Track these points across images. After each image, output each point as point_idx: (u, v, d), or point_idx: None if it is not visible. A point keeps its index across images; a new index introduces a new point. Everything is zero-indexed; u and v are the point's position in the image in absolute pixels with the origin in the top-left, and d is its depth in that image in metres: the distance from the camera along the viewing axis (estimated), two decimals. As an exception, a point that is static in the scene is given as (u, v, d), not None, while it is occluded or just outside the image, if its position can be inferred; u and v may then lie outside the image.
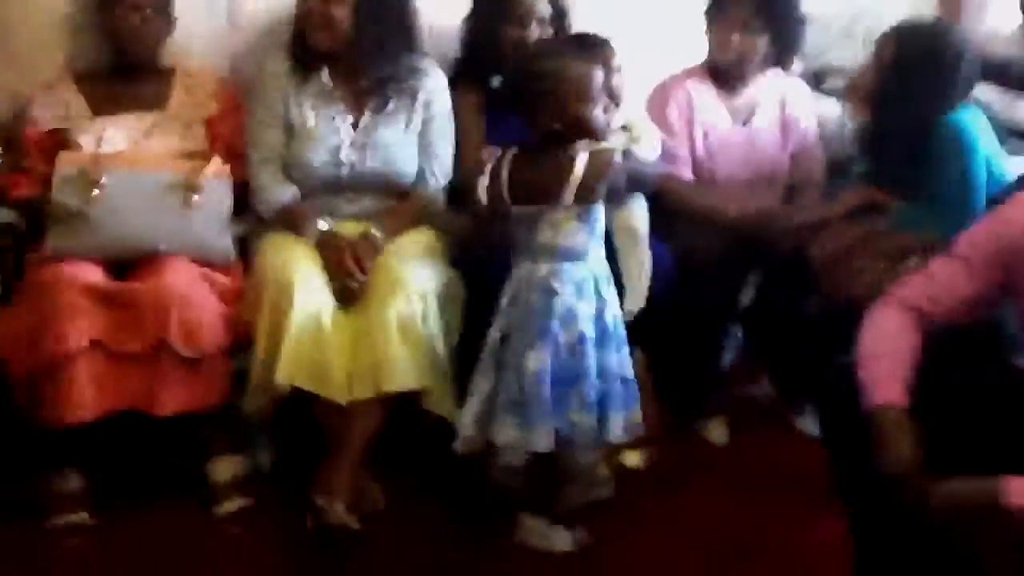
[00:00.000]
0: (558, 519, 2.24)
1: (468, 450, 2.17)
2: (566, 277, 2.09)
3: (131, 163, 2.25)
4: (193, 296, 2.15)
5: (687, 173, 2.73)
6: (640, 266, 2.43)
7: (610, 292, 2.17)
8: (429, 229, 2.50)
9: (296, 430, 2.36)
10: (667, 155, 2.65)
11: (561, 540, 2.22)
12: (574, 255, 2.11)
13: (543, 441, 2.07)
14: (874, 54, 2.55)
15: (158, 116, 2.44)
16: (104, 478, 2.26)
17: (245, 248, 2.45)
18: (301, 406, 2.26)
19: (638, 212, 2.49)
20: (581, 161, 2.05)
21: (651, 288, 2.45)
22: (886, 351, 1.75)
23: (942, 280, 1.80)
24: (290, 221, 2.39)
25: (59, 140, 2.35)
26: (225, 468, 2.32)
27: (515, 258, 2.16)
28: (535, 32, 2.55)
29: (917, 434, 1.64)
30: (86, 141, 2.33)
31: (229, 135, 2.48)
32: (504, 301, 2.15)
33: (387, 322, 2.22)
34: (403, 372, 2.21)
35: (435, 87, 2.51)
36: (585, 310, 2.10)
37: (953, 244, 1.83)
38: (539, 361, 2.06)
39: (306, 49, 2.41)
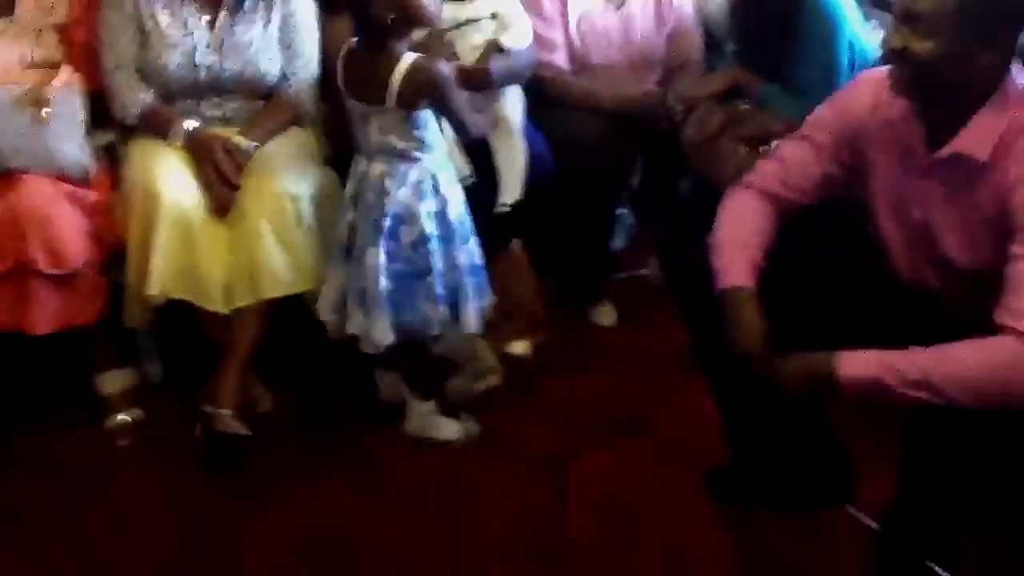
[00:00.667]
0: (446, 409, 2.31)
1: (335, 336, 2.22)
2: (400, 177, 2.10)
3: (-21, 78, 2.15)
4: (52, 214, 2.10)
5: (562, 60, 2.71)
6: (515, 157, 2.46)
7: (452, 189, 2.19)
8: (300, 130, 2.45)
9: (187, 339, 2.36)
10: (541, 42, 2.63)
11: (449, 429, 2.30)
12: (407, 155, 2.11)
13: (381, 333, 2.13)
14: None
15: (4, 25, 2.32)
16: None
17: (114, 159, 2.39)
18: (189, 315, 2.26)
19: (511, 103, 2.49)
20: (400, 71, 2.02)
21: (529, 176, 2.47)
22: (737, 235, 1.81)
23: (792, 163, 1.86)
24: (154, 124, 2.33)
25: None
26: (113, 381, 2.32)
27: (356, 154, 2.17)
28: None
29: (763, 314, 1.72)
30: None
31: (85, 41, 2.37)
32: (347, 195, 2.18)
33: (260, 228, 2.20)
34: (280, 277, 2.22)
35: None
36: (425, 208, 2.12)
37: (802, 126, 1.89)
38: (375, 256, 2.10)
39: None
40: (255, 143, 2.32)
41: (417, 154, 2.11)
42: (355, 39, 2.11)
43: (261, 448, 2.21)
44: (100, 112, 2.37)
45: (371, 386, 2.40)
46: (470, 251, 2.20)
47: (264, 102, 2.43)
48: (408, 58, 2.04)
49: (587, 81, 2.70)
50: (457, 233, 2.17)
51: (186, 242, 2.19)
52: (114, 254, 2.26)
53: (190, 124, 2.31)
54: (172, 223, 2.17)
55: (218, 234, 2.24)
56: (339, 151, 2.42)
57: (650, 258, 3.02)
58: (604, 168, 2.62)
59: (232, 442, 2.15)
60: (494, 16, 2.46)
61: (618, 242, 3.07)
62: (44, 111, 2.15)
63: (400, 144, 2.09)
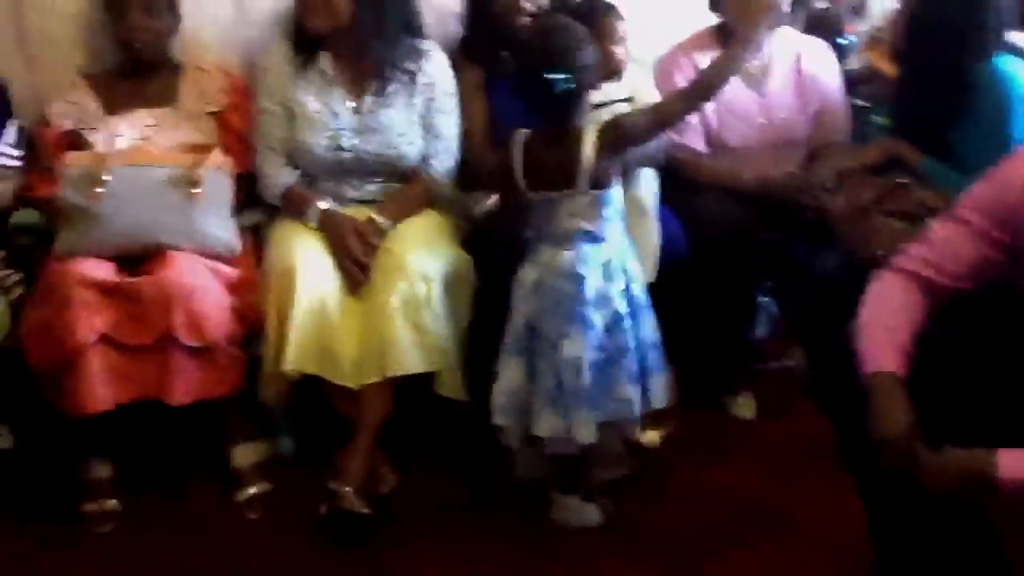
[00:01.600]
0: (587, 496, 2.24)
1: (509, 443, 2.18)
2: (592, 261, 2.07)
3: (134, 159, 2.29)
4: (197, 288, 2.18)
5: (698, 143, 2.67)
6: (648, 239, 2.40)
7: (633, 264, 2.16)
8: (436, 212, 2.49)
9: (319, 415, 2.39)
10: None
11: (593, 514, 2.22)
12: (596, 238, 2.08)
13: (585, 432, 2.06)
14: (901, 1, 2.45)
15: (168, 112, 2.48)
16: (132, 465, 2.33)
17: (259, 239, 2.49)
18: (321, 391, 2.30)
19: (644, 185, 2.46)
20: (589, 145, 2.00)
21: (662, 259, 2.42)
22: (883, 319, 1.69)
23: (943, 245, 1.73)
24: (293, 204, 2.42)
25: (75, 140, 2.42)
26: (246, 454, 2.37)
27: (533, 242, 2.13)
28: (527, 6, 2.50)
29: (909, 402, 1.59)
30: (98, 139, 2.39)
31: (239, 127, 2.52)
32: (525, 287, 2.12)
33: (390, 306, 2.23)
34: (407, 356, 2.22)
35: (436, 68, 2.49)
36: (616, 289, 2.09)
37: (955, 205, 1.76)
38: (575, 349, 2.04)
39: (305, 34, 2.42)
40: (389, 221, 2.36)
41: (604, 234, 2.09)
42: (524, 130, 2.09)
43: (383, 528, 2.19)
44: (249, 194, 2.50)
45: (492, 471, 2.36)
46: (652, 325, 2.15)
47: (401, 184, 2.49)
48: (592, 130, 2.02)
49: (726, 162, 2.64)
50: (641, 307, 2.13)
51: (320, 319, 2.24)
52: (253, 330, 2.33)
53: (325, 205, 2.39)
54: (307, 300, 2.23)
55: (351, 311, 2.28)
56: (477, 238, 2.44)
57: (794, 349, 2.88)
58: (740, 251, 2.52)
59: (353, 520, 2.13)
60: (628, 100, 2.45)
61: (760, 331, 2.94)
62: (195, 191, 2.26)
63: (588, 227, 2.06)
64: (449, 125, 2.50)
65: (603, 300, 2.07)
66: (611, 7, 2.50)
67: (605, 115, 2.39)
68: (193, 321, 2.16)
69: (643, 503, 2.30)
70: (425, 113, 2.47)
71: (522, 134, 2.10)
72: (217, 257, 2.31)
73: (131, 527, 2.26)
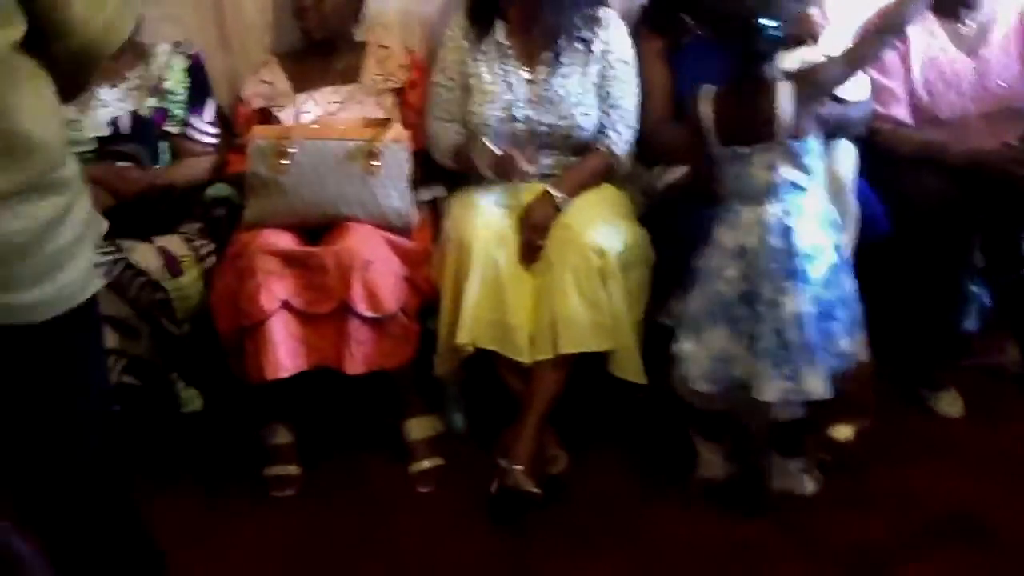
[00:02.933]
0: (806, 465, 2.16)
1: (708, 406, 2.10)
2: (800, 211, 1.97)
3: (318, 133, 2.33)
4: (374, 259, 2.20)
5: (903, 113, 2.46)
6: (846, 215, 2.23)
7: (835, 216, 2.06)
8: (613, 186, 2.42)
9: (491, 392, 2.37)
10: (879, 93, 2.40)
11: (809, 484, 2.15)
12: (801, 188, 1.98)
13: (818, 385, 1.95)
14: None
15: (352, 88, 2.52)
16: (312, 434, 2.39)
17: (437, 213, 2.50)
18: (493, 368, 2.27)
19: (842, 158, 2.28)
20: (784, 97, 1.91)
21: (860, 239, 2.24)
22: None
23: None
24: (462, 159, 2.40)
25: (265, 117, 2.50)
26: (419, 428, 2.37)
27: (728, 204, 2.03)
28: None
29: None
30: (286, 115, 2.46)
31: (418, 104, 2.54)
32: (727, 251, 2.01)
33: (564, 281, 2.17)
34: (581, 333, 2.16)
35: (614, 35, 2.41)
36: (831, 240, 2.00)
37: None
38: (796, 304, 1.94)
39: (483, 6, 2.41)
40: (564, 195, 2.31)
41: (804, 183, 1.99)
42: (710, 86, 2.03)
43: (550, 509, 2.14)
44: (428, 169, 2.51)
45: (664, 455, 2.26)
46: (851, 277, 2.04)
47: (577, 156, 2.43)
48: (786, 84, 1.94)
49: (932, 133, 2.42)
50: (846, 260, 2.03)
51: (496, 292, 2.21)
52: (429, 303, 2.33)
53: (492, 145, 2.32)
54: (483, 273, 2.21)
55: (526, 284, 2.25)
56: (657, 212, 2.35)
57: (1008, 343, 2.61)
58: (948, 232, 2.31)
59: (521, 499, 2.09)
60: None
61: (971, 324, 2.68)
62: (374, 163, 2.28)
63: (791, 177, 1.97)
64: (627, 95, 2.42)
65: (818, 251, 1.97)
66: None
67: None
68: (370, 291, 2.18)
69: (831, 503, 2.15)
70: (601, 82, 2.40)
71: (709, 89, 2.02)
72: (394, 229, 2.33)
73: (309, 493, 2.31)
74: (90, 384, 1.45)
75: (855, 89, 2.28)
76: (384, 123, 2.38)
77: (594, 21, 2.39)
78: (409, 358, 2.28)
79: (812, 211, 1.99)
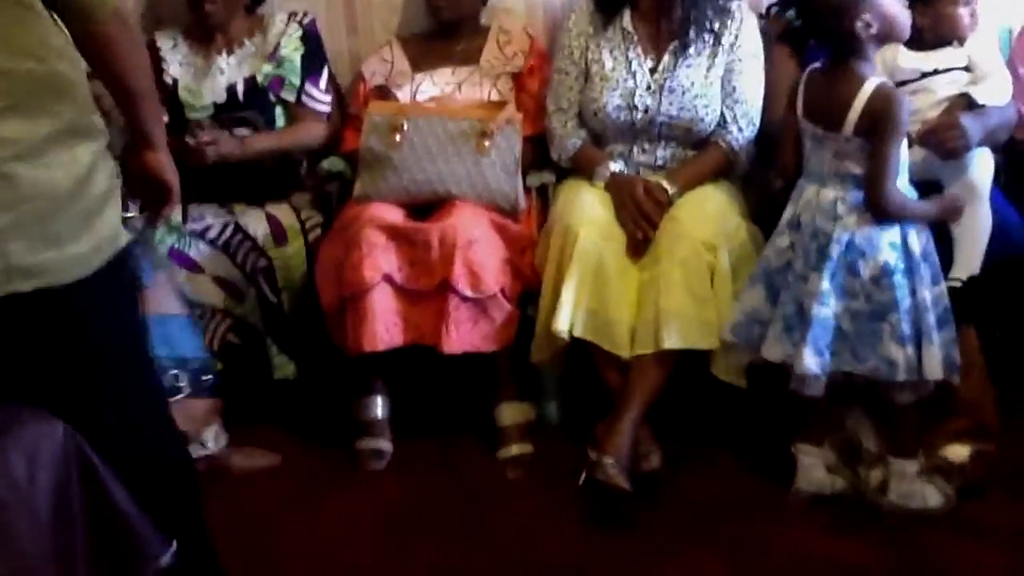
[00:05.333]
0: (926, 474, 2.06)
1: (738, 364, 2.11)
2: (856, 204, 1.94)
3: (432, 111, 2.33)
4: (478, 239, 2.19)
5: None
6: (976, 225, 2.10)
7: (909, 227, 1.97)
8: (729, 183, 2.36)
9: (588, 385, 2.32)
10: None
11: (934, 497, 2.04)
12: (863, 182, 1.93)
13: (811, 361, 1.93)
14: None
15: (470, 70, 2.52)
16: (406, 410, 2.39)
17: (545, 200, 2.47)
18: (591, 360, 2.22)
19: (978, 164, 2.15)
20: (863, 95, 1.89)
21: (991, 251, 2.11)
22: None
23: None
24: (583, 164, 2.38)
25: (383, 95, 2.52)
26: (512, 414, 2.35)
27: (803, 178, 2.03)
28: None
29: None
30: (404, 94, 2.48)
31: (535, 90, 2.52)
32: (784, 220, 2.04)
33: (671, 276, 2.11)
34: (685, 330, 2.10)
35: (744, 27, 2.34)
36: (887, 239, 1.93)
37: None
38: (818, 282, 1.94)
39: None
40: (676, 188, 2.27)
41: None
42: (813, 66, 2.02)
43: (641, 508, 2.08)
44: (538, 156, 2.49)
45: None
46: (937, 290, 1.97)
47: (694, 150, 2.37)
48: (872, 82, 1.90)
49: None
50: (921, 266, 1.95)
51: (598, 283, 2.17)
52: (530, 289, 2.31)
53: (615, 166, 2.33)
54: (586, 262, 2.17)
55: (630, 277, 2.20)
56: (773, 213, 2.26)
57: None
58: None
59: (609, 494, 2.04)
60: (967, 68, 2.15)
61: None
62: (486, 143, 2.27)
63: (858, 170, 1.94)
64: (751, 90, 2.34)
65: (868, 245, 1.92)
66: None
67: (940, 85, 2.17)
68: (472, 271, 2.16)
69: (947, 533, 2.01)
70: (727, 76, 2.33)
71: (814, 68, 2.02)
72: (502, 211, 2.32)
73: (399, 469, 2.31)
74: (123, 351, 1.45)
75: (996, 92, 2.14)
76: (499, 105, 2.37)
77: (725, 13, 2.32)
78: (507, 342, 2.26)
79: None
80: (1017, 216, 2.18)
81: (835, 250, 1.94)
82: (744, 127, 2.34)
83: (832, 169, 1.97)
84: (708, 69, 2.32)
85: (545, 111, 2.45)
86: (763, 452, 2.23)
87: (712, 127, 2.34)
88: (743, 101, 2.33)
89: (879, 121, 1.89)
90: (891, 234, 1.95)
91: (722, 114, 2.34)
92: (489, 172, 2.28)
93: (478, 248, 2.17)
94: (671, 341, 2.09)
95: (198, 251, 2.36)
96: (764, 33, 2.42)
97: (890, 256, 1.94)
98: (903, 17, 1.95)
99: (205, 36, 2.54)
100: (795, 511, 2.08)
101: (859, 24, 1.89)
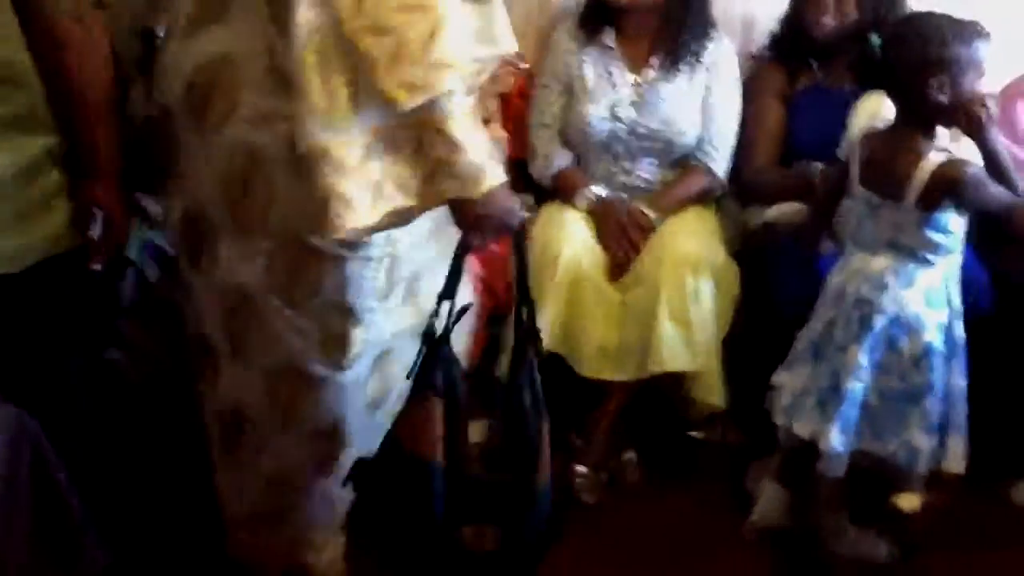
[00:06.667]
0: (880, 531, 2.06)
1: (787, 444, 2.05)
2: (907, 278, 1.91)
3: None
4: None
5: (1025, 185, 2.33)
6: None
7: (959, 302, 1.96)
8: (708, 210, 2.41)
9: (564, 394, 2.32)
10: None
11: (881, 548, 2.04)
12: (917, 256, 1.91)
13: (838, 440, 1.91)
14: None
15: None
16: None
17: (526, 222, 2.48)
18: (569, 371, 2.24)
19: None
20: (924, 169, 1.85)
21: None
22: None
23: None
24: (565, 187, 2.40)
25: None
26: (479, 430, 2.33)
27: (851, 244, 2.00)
28: (830, 19, 2.32)
29: None
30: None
31: (520, 112, 2.53)
32: (830, 293, 1.99)
33: (657, 299, 2.15)
34: (672, 353, 2.13)
35: (723, 51, 2.40)
36: (935, 319, 1.91)
37: None
38: (855, 354, 1.90)
39: (595, 13, 2.40)
40: (659, 216, 2.31)
41: (931, 257, 1.92)
42: (872, 128, 1.99)
43: (613, 518, 2.10)
44: (519, 179, 2.47)
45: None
46: (963, 375, 1.94)
47: (674, 169, 2.41)
48: (936, 157, 1.86)
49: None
50: (958, 354, 1.94)
51: (575, 302, 2.20)
52: (500, 310, 2.30)
53: (598, 190, 2.35)
54: (565, 281, 2.20)
55: (609, 301, 2.23)
56: (750, 247, 2.30)
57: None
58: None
59: (581, 502, 2.08)
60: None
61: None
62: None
63: (912, 243, 1.91)
64: (729, 113, 2.39)
65: (916, 323, 1.90)
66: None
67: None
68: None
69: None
70: (706, 97, 2.38)
71: (873, 128, 1.98)
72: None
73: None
74: (73, 342, 1.43)
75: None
76: (484, 124, 2.37)
77: (705, 35, 2.37)
78: (474, 362, 2.25)
79: (923, 284, 1.91)
80: (986, 276, 2.21)
81: (879, 322, 1.90)
82: (722, 148, 2.38)
83: (885, 238, 1.93)
84: (689, 86, 2.36)
85: (529, 126, 2.47)
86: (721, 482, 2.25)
87: (692, 144, 2.38)
88: (720, 123, 2.38)
89: (952, 194, 1.85)
90: (939, 315, 1.92)
91: (700, 135, 2.38)
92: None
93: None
94: (655, 365, 2.13)
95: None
96: (751, 77, 2.47)
97: (935, 338, 1.91)
98: (985, 104, 1.87)
99: None
100: (748, 542, 2.09)
101: (932, 85, 1.83)
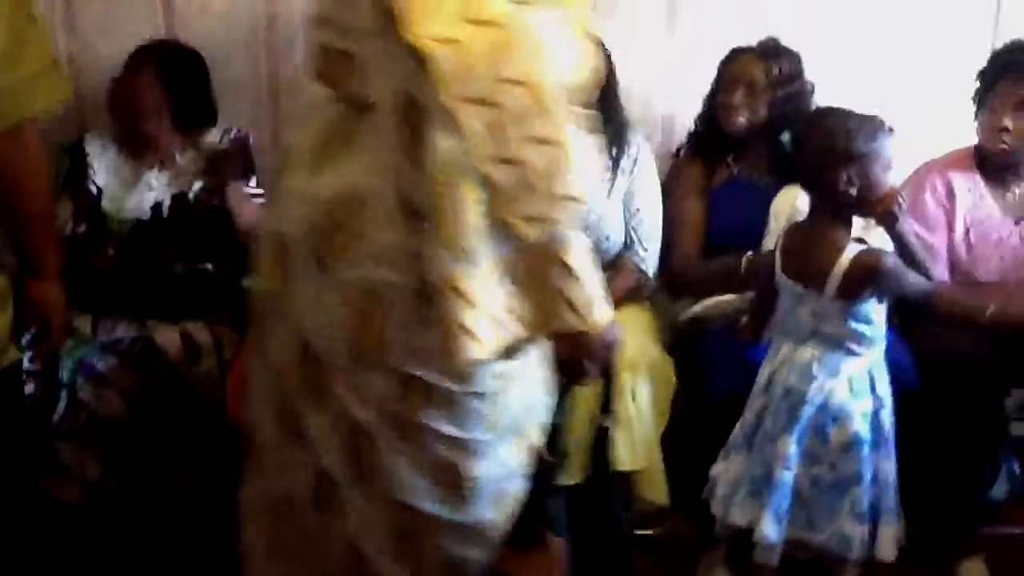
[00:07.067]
0: None
1: (723, 534, 2.07)
2: (832, 368, 1.94)
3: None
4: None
5: (940, 270, 2.41)
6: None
7: (887, 390, 1.99)
8: (640, 308, 2.42)
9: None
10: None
11: None
12: (842, 346, 1.95)
13: (771, 529, 1.93)
14: None
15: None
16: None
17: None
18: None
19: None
20: (846, 258, 1.90)
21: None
22: None
23: None
24: None
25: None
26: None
27: (778, 335, 2.04)
28: (740, 99, 2.40)
29: None
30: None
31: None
32: (759, 384, 2.03)
33: (591, 399, 2.12)
34: (615, 453, 2.12)
35: (641, 154, 2.43)
36: (861, 408, 1.94)
37: None
38: (785, 445, 1.93)
39: None
40: None
41: (855, 348, 1.96)
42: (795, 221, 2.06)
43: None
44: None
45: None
46: (892, 462, 1.98)
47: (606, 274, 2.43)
48: (852, 249, 1.91)
49: (968, 295, 2.38)
50: (886, 442, 1.97)
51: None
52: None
53: None
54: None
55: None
56: (683, 341, 2.32)
57: (1040, 516, 2.49)
58: (979, 393, 2.23)
59: None
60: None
61: (999, 491, 2.57)
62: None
63: (836, 333, 1.94)
64: (652, 211, 2.43)
65: (841, 414, 1.93)
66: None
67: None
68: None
69: None
70: (628, 199, 2.41)
71: (795, 221, 2.05)
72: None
73: None
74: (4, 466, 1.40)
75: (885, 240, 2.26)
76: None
77: (622, 139, 2.40)
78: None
79: (847, 373, 1.95)
80: (909, 356, 2.26)
81: (806, 411, 1.93)
82: (650, 247, 2.42)
83: (810, 328, 1.96)
84: (608, 192, 2.39)
85: None
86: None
87: (617, 248, 2.41)
88: (648, 223, 2.42)
89: (872, 285, 1.90)
90: (864, 404, 1.95)
91: (627, 235, 2.42)
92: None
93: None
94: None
95: (106, 364, 2.31)
96: (671, 175, 2.54)
97: (862, 427, 1.94)
98: (883, 190, 1.93)
99: (136, 146, 2.51)
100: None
101: (842, 178, 1.88)
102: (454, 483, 1.51)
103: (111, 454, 2.27)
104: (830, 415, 1.93)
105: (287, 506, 1.59)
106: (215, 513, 2.32)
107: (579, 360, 1.49)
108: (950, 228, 2.44)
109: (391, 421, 1.47)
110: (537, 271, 1.38)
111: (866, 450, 1.93)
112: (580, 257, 1.40)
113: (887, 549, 1.95)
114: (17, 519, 1.50)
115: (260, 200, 2.55)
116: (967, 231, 2.43)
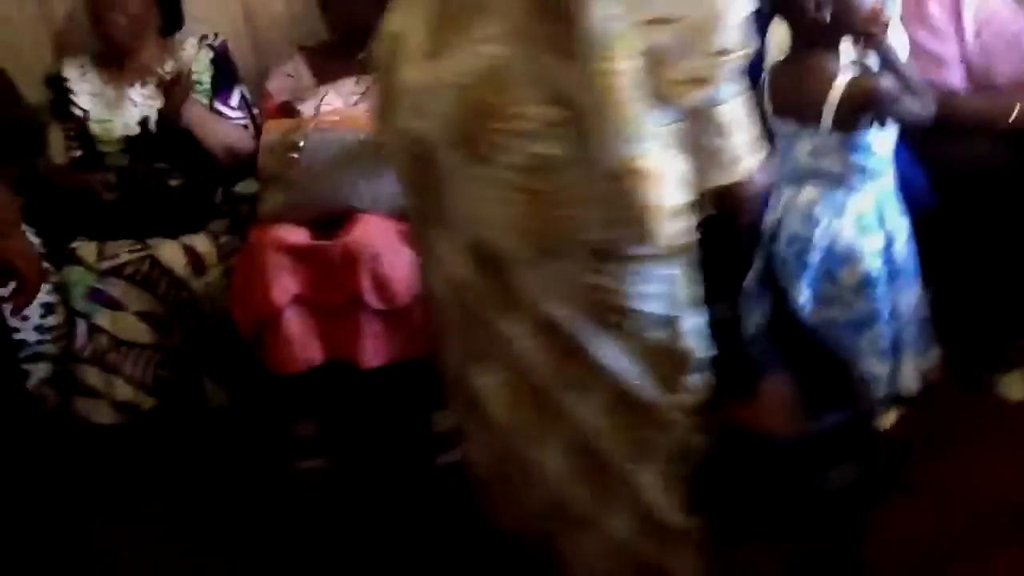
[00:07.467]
0: None
1: None
2: (835, 207, 1.86)
3: (328, 125, 2.29)
4: (384, 251, 2.15)
5: (956, 78, 2.26)
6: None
7: (900, 223, 1.91)
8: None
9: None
10: (927, 59, 2.20)
11: None
12: (844, 183, 1.86)
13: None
14: None
15: (365, 83, 2.46)
16: (339, 427, 2.37)
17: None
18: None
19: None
20: (839, 87, 1.79)
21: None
22: None
23: None
24: None
25: (289, 110, 2.48)
26: (447, 419, 2.33)
27: (776, 185, 1.94)
28: None
29: None
30: (307, 107, 2.43)
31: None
32: (766, 226, 1.95)
33: None
34: None
35: None
36: (869, 246, 1.86)
37: None
38: (797, 295, 1.88)
39: None
40: None
41: (858, 183, 1.87)
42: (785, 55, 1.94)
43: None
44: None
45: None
46: (915, 296, 1.92)
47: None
48: (845, 77, 1.81)
49: (987, 99, 2.23)
50: (902, 272, 1.90)
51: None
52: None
53: None
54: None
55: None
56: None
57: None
58: (1005, 201, 2.13)
59: None
60: None
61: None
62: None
63: (836, 169, 1.86)
64: None
65: (851, 255, 1.86)
66: None
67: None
68: (380, 284, 2.14)
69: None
70: None
71: (778, 60, 1.93)
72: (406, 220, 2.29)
73: (335, 486, 2.31)
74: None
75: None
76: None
77: None
78: (424, 351, 2.24)
79: (854, 210, 1.86)
80: (921, 174, 2.16)
81: (814, 257, 1.87)
82: None
83: (807, 168, 1.88)
84: None
85: None
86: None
87: None
88: None
89: (868, 111, 1.80)
90: (875, 240, 1.88)
91: None
92: (390, 183, 2.23)
93: (384, 260, 2.14)
94: None
95: (118, 289, 2.35)
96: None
97: (873, 265, 1.87)
98: (863, 8, 1.81)
99: (115, 64, 2.52)
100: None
101: (810, 5, 1.79)
102: (669, 363, 1.44)
103: (138, 375, 2.33)
104: (838, 258, 1.86)
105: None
106: (243, 420, 2.41)
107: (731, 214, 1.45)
108: (959, 32, 2.26)
109: (591, 310, 1.39)
110: (691, 132, 1.36)
111: (880, 288, 1.87)
112: (732, 111, 1.37)
113: (908, 382, 1.90)
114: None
115: (239, 121, 2.55)
116: (978, 32, 2.25)
